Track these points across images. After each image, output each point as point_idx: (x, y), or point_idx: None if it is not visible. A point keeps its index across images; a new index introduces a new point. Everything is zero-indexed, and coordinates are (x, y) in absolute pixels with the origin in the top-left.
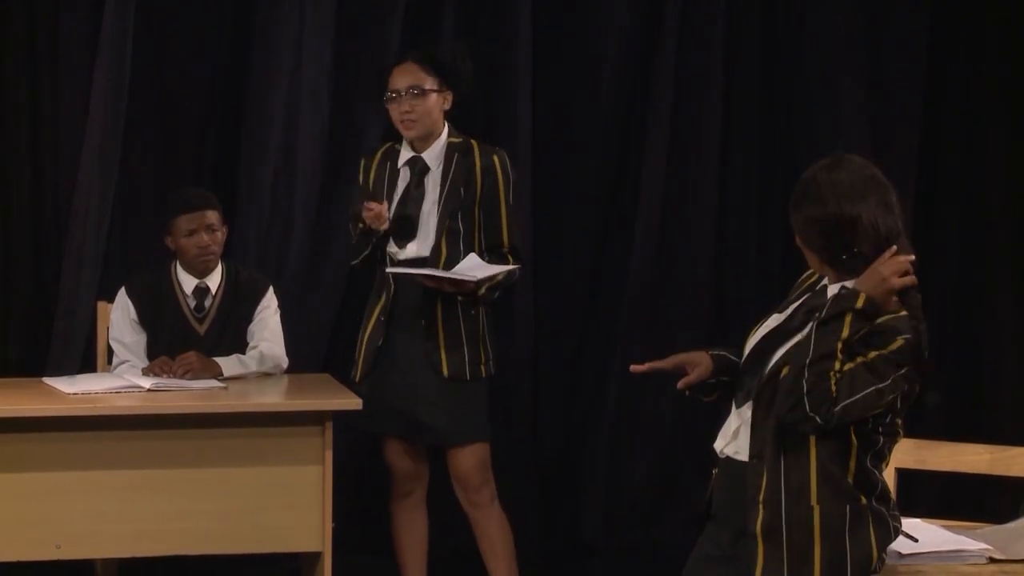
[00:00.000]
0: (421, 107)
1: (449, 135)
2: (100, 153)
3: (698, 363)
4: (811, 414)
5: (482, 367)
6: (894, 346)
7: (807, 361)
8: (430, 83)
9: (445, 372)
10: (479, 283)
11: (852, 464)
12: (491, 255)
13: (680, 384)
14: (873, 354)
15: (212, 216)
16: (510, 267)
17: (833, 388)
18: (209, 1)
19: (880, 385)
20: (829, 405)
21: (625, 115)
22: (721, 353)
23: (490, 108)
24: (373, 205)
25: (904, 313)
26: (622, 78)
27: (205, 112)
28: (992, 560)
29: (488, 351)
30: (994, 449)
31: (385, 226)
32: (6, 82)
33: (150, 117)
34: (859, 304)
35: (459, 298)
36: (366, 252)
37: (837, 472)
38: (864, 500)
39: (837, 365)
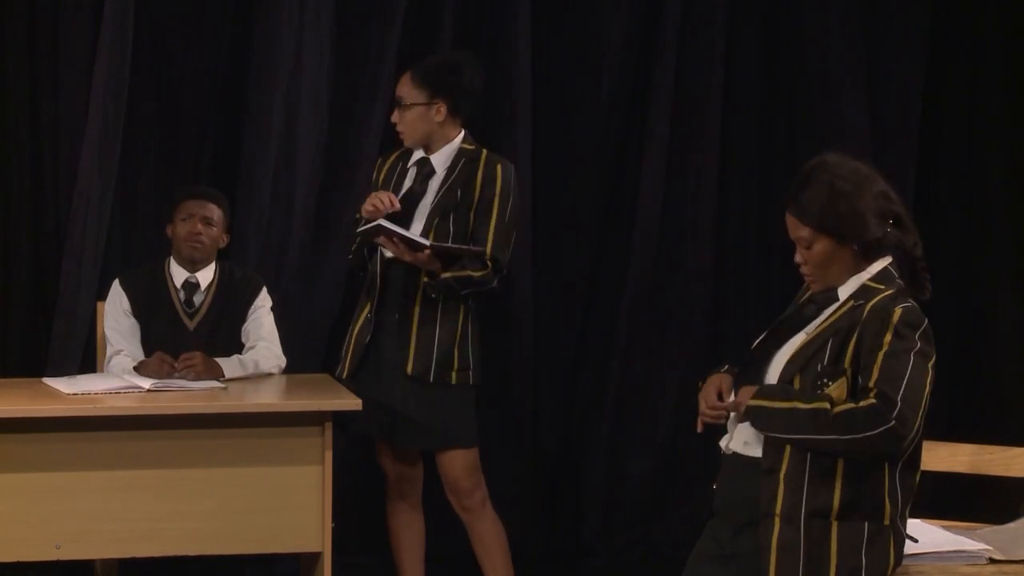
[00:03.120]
0: (405, 118)
1: (463, 141)
2: (100, 153)
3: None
4: (880, 430)
5: (453, 373)
6: (895, 318)
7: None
8: (414, 96)
9: (409, 370)
10: (440, 256)
11: (885, 475)
12: (471, 255)
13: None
14: (887, 340)
15: (214, 211)
16: (477, 250)
17: (870, 399)
18: (209, 1)
19: (912, 354)
20: (887, 407)
21: (625, 115)
22: (733, 368)
23: (490, 108)
24: (383, 196)
25: (891, 292)
26: (622, 78)
27: (205, 112)
28: (992, 560)
29: (468, 359)
30: (994, 449)
31: (374, 219)
32: (6, 82)
33: (150, 117)
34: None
35: (425, 278)
36: (357, 243)
37: (862, 487)
38: (887, 518)
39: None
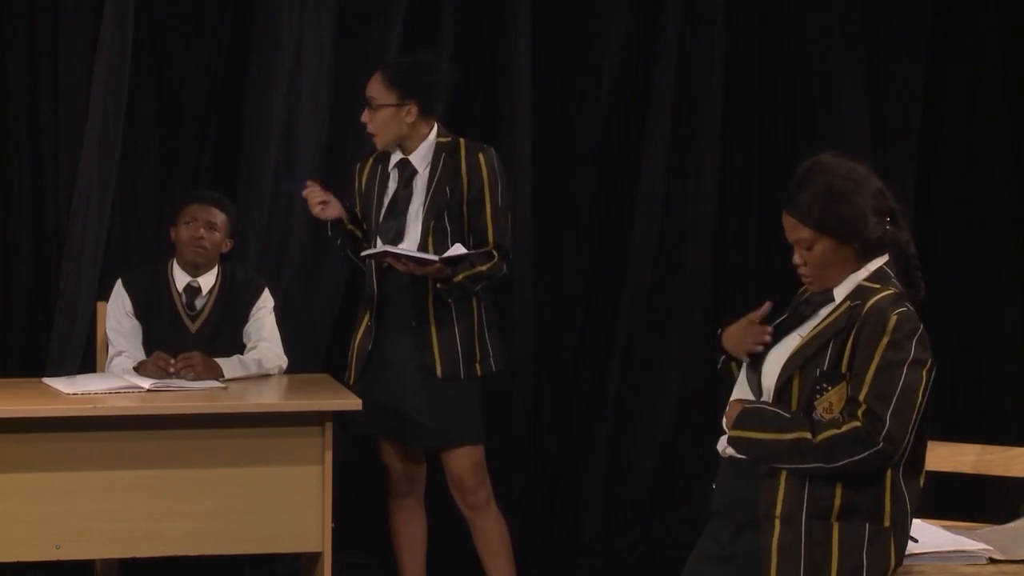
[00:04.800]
0: (376, 119)
1: (438, 135)
2: (100, 153)
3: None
4: (866, 454)
5: (477, 365)
6: (891, 325)
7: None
8: (384, 97)
9: (439, 373)
10: (450, 264)
11: (886, 476)
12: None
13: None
14: (880, 350)
15: (218, 216)
16: (483, 251)
17: (857, 420)
18: (209, 1)
19: (905, 366)
20: (874, 427)
21: (625, 115)
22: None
23: (490, 108)
24: (312, 190)
25: (888, 292)
26: (622, 78)
27: (205, 112)
28: (992, 560)
29: (488, 348)
30: (994, 449)
31: (331, 216)
32: (6, 82)
33: (150, 117)
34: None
35: (438, 285)
36: (338, 245)
37: (862, 489)
38: (887, 519)
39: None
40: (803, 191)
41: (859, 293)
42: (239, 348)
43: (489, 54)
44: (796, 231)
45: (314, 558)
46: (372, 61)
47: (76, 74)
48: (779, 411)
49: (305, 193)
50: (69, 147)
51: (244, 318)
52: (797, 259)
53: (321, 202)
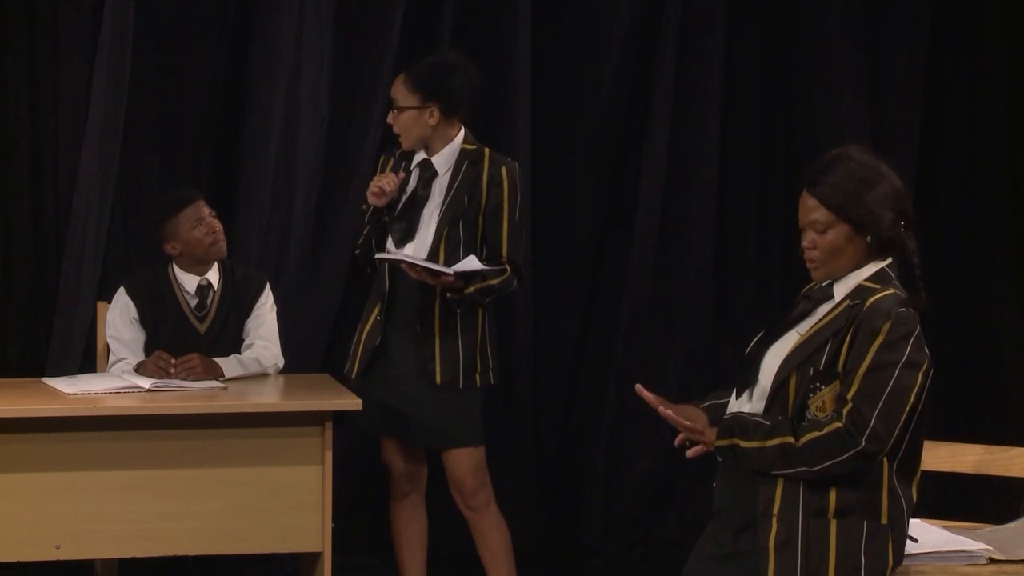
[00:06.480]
0: (399, 122)
1: (464, 141)
2: (100, 153)
3: (695, 419)
4: (848, 455)
5: (477, 376)
6: (887, 325)
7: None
8: (406, 99)
9: (438, 380)
10: (463, 278)
11: (883, 475)
12: (490, 265)
13: (678, 441)
14: (873, 349)
15: (205, 205)
16: (497, 268)
17: (840, 422)
18: (209, 1)
19: (898, 367)
20: (857, 427)
21: (625, 116)
22: (712, 403)
23: (490, 108)
24: (382, 180)
25: (889, 292)
26: (622, 78)
27: (205, 112)
28: (992, 560)
29: (488, 360)
30: (994, 449)
31: (382, 203)
32: (6, 82)
33: (150, 117)
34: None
35: (447, 294)
36: (364, 234)
37: (859, 487)
38: (885, 517)
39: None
40: (828, 175)
41: (859, 292)
42: (242, 343)
43: (489, 54)
44: (813, 212)
45: (314, 558)
46: (372, 62)
47: (76, 75)
48: (760, 420)
49: (377, 186)
50: (69, 147)
51: (248, 313)
52: (806, 242)
53: (379, 189)
